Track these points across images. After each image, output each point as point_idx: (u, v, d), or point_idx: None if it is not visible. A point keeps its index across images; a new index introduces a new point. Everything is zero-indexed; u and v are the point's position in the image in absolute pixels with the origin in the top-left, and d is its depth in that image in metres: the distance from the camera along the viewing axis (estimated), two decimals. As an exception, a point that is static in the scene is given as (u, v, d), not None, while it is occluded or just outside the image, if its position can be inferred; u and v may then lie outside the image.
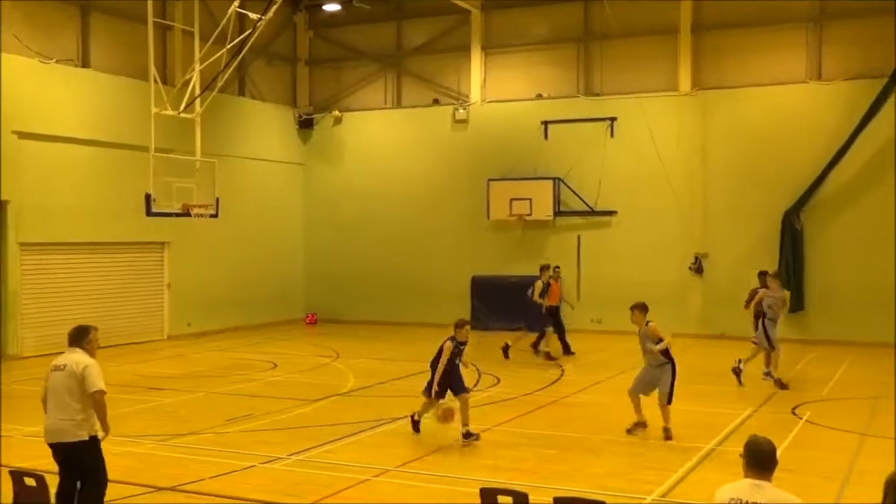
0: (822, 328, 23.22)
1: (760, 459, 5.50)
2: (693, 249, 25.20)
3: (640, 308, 12.52)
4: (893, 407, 14.72)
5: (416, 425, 12.70)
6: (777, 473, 5.46)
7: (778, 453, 5.58)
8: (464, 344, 12.47)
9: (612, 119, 26.04)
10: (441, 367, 12.16)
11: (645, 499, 9.62)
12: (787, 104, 24.45)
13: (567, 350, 21.16)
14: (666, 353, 12.33)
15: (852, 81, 23.69)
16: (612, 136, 26.08)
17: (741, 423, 13.41)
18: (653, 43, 25.97)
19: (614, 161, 25.95)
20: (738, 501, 5.38)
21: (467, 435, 12.10)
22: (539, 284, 20.60)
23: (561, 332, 21.24)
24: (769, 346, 16.87)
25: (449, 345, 12.28)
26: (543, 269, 21.07)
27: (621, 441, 12.30)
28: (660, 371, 12.39)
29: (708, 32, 25.44)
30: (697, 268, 25.09)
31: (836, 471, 10.74)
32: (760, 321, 17.01)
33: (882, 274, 22.75)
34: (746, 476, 5.51)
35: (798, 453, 11.42)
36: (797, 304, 23.78)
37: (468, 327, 12.57)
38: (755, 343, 17.18)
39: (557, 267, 22.38)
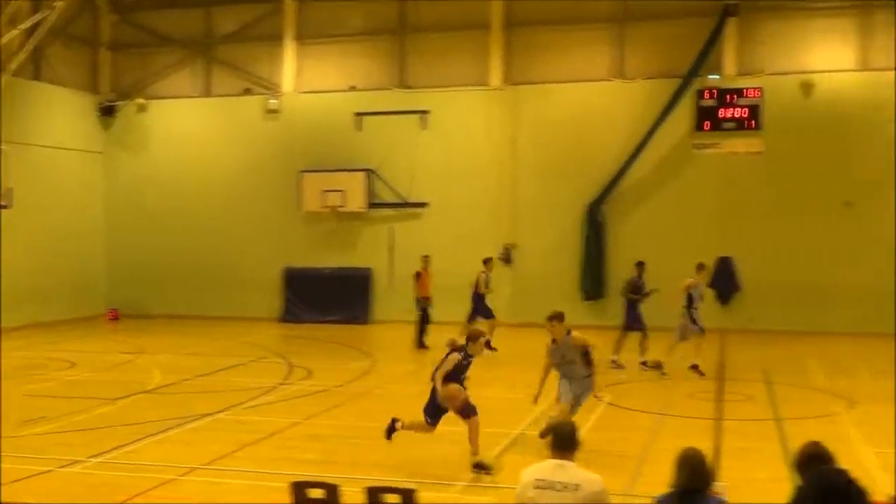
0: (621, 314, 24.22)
1: (563, 441, 5.70)
2: (503, 240, 25.83)
3: (560, 318, 11.30)
4: (687, 387, 15.65)
5: (390, 431, 10.80)
6: (580, 454, 5.65)
7: (580, 434, 5.78)
8: (470, 358, 10.62)
9: (425, 112, 26.30)
10: (439, 374, 10.34)
11: (455, 484, 9.77)
12: (591, 101, 25.45)
13: (420, 343, 20.68)
14: (589, 363, 11.34)
15: (651, 81, 24.92)
16: (425, 128, 26.35)
17: (548, 408, 13.81)
18: (465, 38, 26.40)
19: (427, 153, 26.24)
20: (543, 481, 5.55)
21: (478, 466, 10.26)
22: (483, 277, 20.36)
23: (424, 324, 20.89)
24: (685, 335, 17.32)
25: (456, 356, 10.44)
26: (486, 261, 20.82)
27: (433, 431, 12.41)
28: (586, 383, 11.41)
29: (519, 29, 26.09)
30: (506, 258, 25.74)
31: (634, 449, 11.26)
32: (632, 307, 18.24)
33: (676, 263, 23.96)
34: (551, 457, 5.68)
35: (600, 434, 11.91)
36: (598, 293, 24.87)
37: (483, 340, 10.85)
38: (694, 331, 17.34)
39: (427, 256, 21.87)
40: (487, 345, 19.59)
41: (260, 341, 22.50)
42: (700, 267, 18.11)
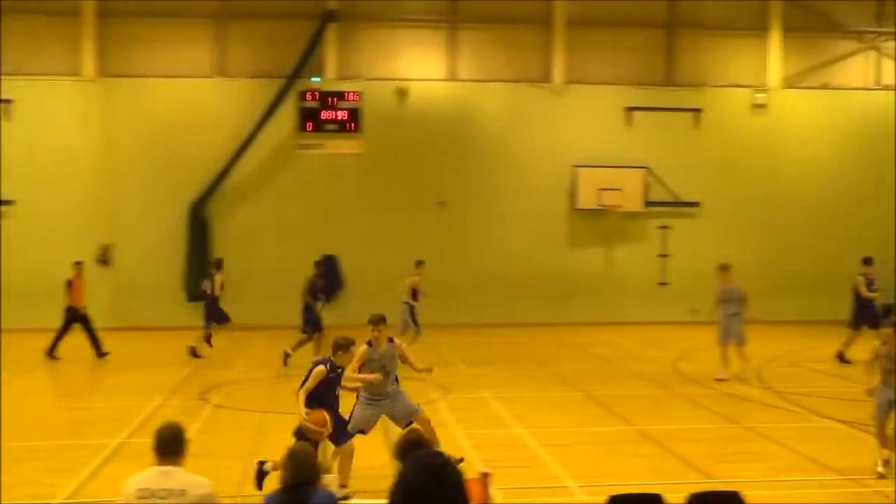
0: (230, 313, 23.97)
1: (167, 446, 5.50)
2: (100, 239, 24.45)
3: (384, 321, 10.02)
4: (291, 384, 15.82)
5: (261, 476, 9.00)
6: (188, 459, 5.47)
7: (187, 438, 5.59)
8: (338, 371, 9.21)
9: (8, 101, 24.15)
10: (302, 393, 8.90)
11: (50, 502, 9.07)
12: (193, 97, 24.94)
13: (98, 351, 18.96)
14: (396, 378, 9.96)
15: (254, 80, 24.93)
16: (8, 119, 24.21)
17: (152, 413, 13.30)
18: (55, 24, 24.70)
19: (10, 147, 24.05)
20: (146, 490, 5.30)
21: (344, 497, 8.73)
22: (219, 279, 19.46)
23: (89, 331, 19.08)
24: (405, 331, 18.01)
25: (321, 369, 9.02)
26: (217, 262, 20.03)
27: (21, 447, 11.42)
28: (400, 397, 9.94)
29: (114, 20, 24.89)
30: (104, 258, 24.41)
31: (241, 450, 11.16)
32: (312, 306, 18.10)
33: (281, 261, 24.19)
34: (158, 464, 5.45)
35: (207, 437, 11.67)
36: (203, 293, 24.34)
37: (353, 349, 9.27)
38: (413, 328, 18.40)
39: (79, 262, 19.54)
40: (194, 351, 19.00)
41: None
42: (418, 263, 19.12)
